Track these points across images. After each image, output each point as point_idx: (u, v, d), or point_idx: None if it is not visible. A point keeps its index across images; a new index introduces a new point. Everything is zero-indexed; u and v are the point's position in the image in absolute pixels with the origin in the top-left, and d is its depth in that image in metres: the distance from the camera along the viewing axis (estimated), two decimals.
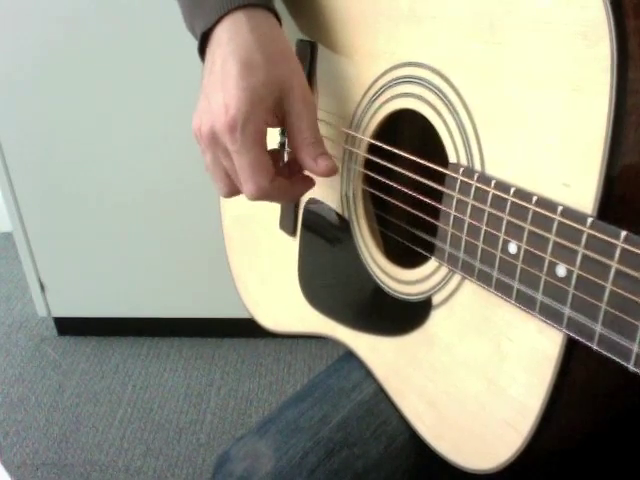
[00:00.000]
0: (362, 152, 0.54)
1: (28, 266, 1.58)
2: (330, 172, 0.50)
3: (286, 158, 0.65)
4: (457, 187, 0.43)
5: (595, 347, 0.34)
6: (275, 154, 0.54)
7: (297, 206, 0.65)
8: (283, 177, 0.53)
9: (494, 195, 0.40)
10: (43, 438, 1.40)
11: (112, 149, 1.43)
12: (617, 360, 0.33)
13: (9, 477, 1.27)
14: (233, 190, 0.52)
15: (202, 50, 0.51)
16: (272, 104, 0.48)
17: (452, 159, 0.44)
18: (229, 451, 0.59)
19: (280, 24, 0.52)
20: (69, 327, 1.70)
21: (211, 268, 1.38)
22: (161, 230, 1.53)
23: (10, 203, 1.49)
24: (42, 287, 1.61)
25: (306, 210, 0.64)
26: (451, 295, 0.47)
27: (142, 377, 1.57)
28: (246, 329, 1.54)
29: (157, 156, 1.44)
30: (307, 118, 0.49)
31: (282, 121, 0.51)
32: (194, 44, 0.52)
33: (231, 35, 0.48)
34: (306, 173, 0.54)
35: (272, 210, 0.68)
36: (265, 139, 0.49)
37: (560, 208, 0.35)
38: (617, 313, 0.33)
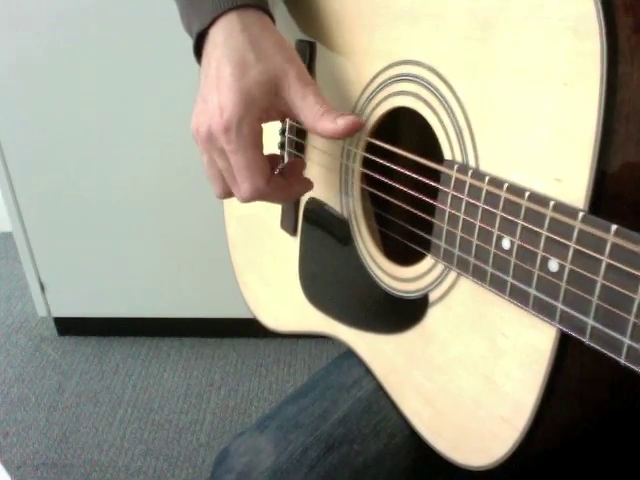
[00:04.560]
0: (360, 151, 0.55)
1: (28, 266, 1.58)
2: (354, 127, 0.48)
3: (286, 159, 0.65)
4: (452, 184, 0.43)
5: (587, 341, 0.35)
6: (272, 158, 0.55)
7: (297, 206, 0.65)
8: (280, 178, 0.53)
9: (488, 191, 0.40)
10: (43, 438, 1.40)
11: (112, 149, 1.44)
12: (609, 354, 0.34)
13: (9, 477, 1.27)
14: (227, 191, 0.53)
15: (198, 51, 0.52)
16: (267, 102, 0.49)
17: (447, 156, 0.45)
18: (229, 447, 0.60)
19: (274, 23, 0.52)
20: (69, 327, 1.70)
21: (211, 268, 1.38)
22: (161, 230, 1.53)
23: (10, 203, 1.49)
24: (42, 287, 1.61)
25: (306, 209, 0.64)
26: (447, 292, 0.47)
27: (142, 377, 1.58)
28: (246, 329, 1.55)
29: (157, 156, 1.44)
30: (311, 95, 0.49)
31: (284, 113, 0.52)
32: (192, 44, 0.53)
33: (225, 37, 0.49)
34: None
35: (274, 210, 0.69)
36: (261, 139, 0.50)
37: (552, 203, 0.35)
38: (608, 307, 0.33)
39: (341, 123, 0.48)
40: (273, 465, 0.56)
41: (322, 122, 0.49)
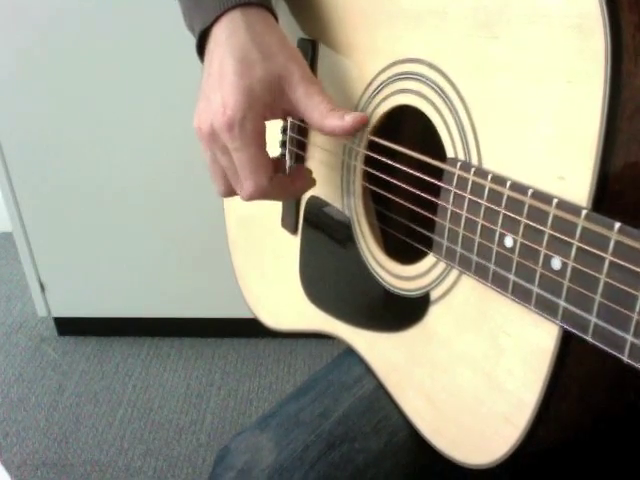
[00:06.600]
0: (362, 149, 0.55)
1: (28, 266, 1.58)
2: (361, 122, 0.49)
3: (287, 157, 0.65)
4: (454, 182, 0.43)
5: (590, 339, 0.35)
6: (276, 162, 0.55)
7: (298, 204, 0.65)
8: (283, 176, 0.54)
9: (490, 189, 0.40)
10: (43, 438, 1.40)
11: (112, 149, 1.44)
12: (611, 352, 0.33)
13: (9, 477, 1.27)
14: (230, 190, 0.53)
15: (201, 49, 0.52)
16: (270, 99, 0.49)
17: (450, 154, 0.45)
18: (230, 445, 0.60)
19: (277, 21, 0.53)
20: (69, 327, 1.70)
21: (211, 268, 1.38)
22: (161, 230, 1.53)
23: (10, 203, 1.49)
24: (42, 287, 1.61)
25: (307, 208, 0.64)
26: (449, 290, 0.47)
27: (142, 377, 1.58)
28: (246, 329, 1.55)
29: (157, 156, 1.44)
30: (316, 94, 0.50)
31: (288, 112, 0.52)
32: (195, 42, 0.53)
33: (228, 34, 0.49)
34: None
35: (274, 209, 0.69)
36: (264, 137, 0.50)
37: (555, 201, 0.35)
38: (611, 305, 0.33)
39: (348, 119, 0.49)
40: (274, 463, 0.56)
41: (329, 119, 0.49)
